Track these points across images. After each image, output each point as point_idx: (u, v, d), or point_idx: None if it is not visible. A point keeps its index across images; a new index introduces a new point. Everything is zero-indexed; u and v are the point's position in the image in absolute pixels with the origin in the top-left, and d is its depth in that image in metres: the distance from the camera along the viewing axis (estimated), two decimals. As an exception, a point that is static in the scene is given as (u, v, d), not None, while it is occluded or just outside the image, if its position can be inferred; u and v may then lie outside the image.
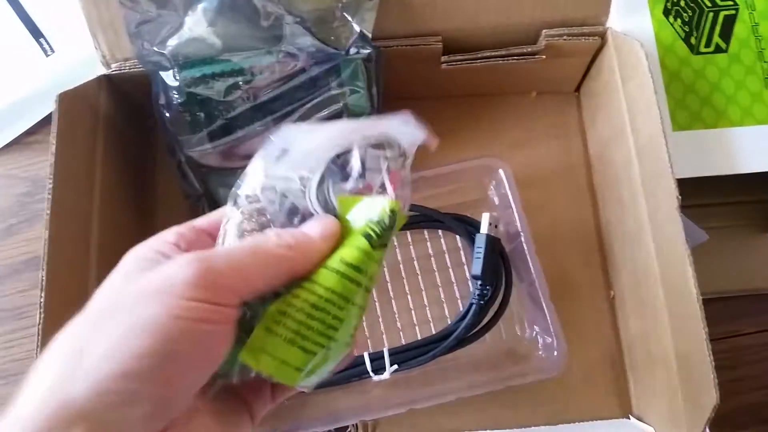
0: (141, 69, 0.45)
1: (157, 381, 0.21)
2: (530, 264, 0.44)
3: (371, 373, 0.42)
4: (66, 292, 0.42)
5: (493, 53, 0.47)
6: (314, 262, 0.25)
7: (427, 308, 0.48)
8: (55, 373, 0.21)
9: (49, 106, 0.43)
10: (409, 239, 0.49)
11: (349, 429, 0.47)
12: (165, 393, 0.22)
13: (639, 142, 0.44)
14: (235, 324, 0.24)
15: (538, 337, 0.46)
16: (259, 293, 0.24)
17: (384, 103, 0.48)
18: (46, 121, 0.54)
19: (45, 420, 0.20)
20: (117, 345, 0.21)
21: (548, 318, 0.43)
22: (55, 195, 0.41)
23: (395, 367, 0.42)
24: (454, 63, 0.48)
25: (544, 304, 0.43)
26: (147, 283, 0.23)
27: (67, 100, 0.43)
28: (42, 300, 0.40)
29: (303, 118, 0.46)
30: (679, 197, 0.39)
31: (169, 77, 0.44)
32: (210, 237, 0.27)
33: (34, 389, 0.21)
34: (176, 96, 0.45)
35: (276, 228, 0.26)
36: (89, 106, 0.46)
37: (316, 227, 0.26)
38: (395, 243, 0.49)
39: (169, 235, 0.26)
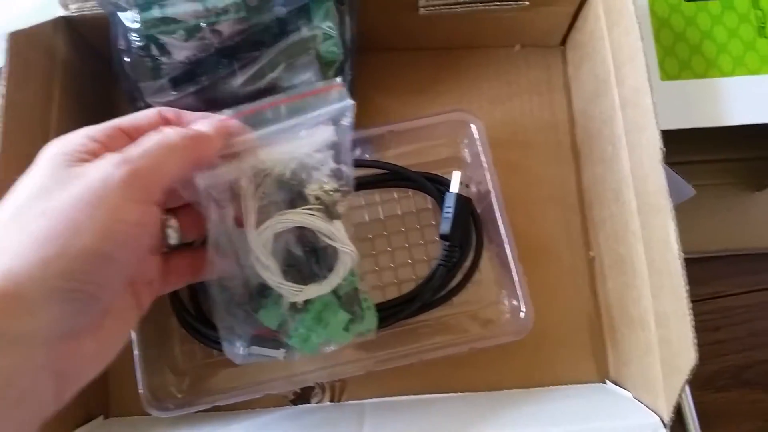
0: (101, 11, 0.43)
1: (94, 280, 0.24)
2: (499, 224, 0.42)
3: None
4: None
5: (474, -2, 0.45)
6: (213, 152, 0.30)
7: (395, 270, 0.46)
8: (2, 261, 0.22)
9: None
10: (378, 199, 0.47)
11: (315, 390, 0.46)
12: (97, 291, 0.24)
13: (623, 93, 0.41)
14: (158, 223, 0.27)
15: (506, 300, 0.44)
16: (171, 185, 0.28)
17: (359, 54, 0.45)
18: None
19: None
20: (63, 245, 0.23)
21: (515, 280, 0.41)
22: (6, 140, 0.39)
23: (358, 329, 0.40)
24: (432, 8, 0.45)
25: (512, 266, 0.41)
26: (84, 186, 0.24)
27: (20, 41, 0.41)
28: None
29: (271, 64, 0.44)
30: (663, 149, 0.37)
31: (128, 19, 0.42)
32: (128, 137, 0.28)
33: None
34: (136, 39, 0.42)
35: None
36: (45, 49, 0.44)
37: (206, 124, 0.30)
38: (363, 202, 0.47)
39: (92, 131, 0.28)
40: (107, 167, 0.25)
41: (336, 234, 0.35)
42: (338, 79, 0.37)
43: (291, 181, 0.34)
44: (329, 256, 0.36)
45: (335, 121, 0.36)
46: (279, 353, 0.37)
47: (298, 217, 0.34)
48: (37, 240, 0.23)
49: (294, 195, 0.35)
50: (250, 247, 0.34)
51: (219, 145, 0.30)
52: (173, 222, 0.32)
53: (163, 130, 0.28)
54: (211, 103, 0.42)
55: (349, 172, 0.36)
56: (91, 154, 0.26)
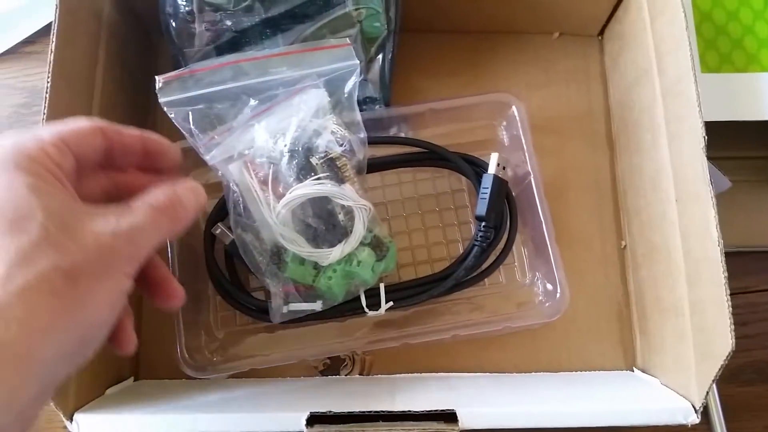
0: (149, -25, 0.43)
1: (96, 345, 0.26)
2: (538, 205, 0.42)
3: (366, 309, 0.40)
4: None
5: (517, -20, 0.45)
6: (188, 222, 0.29)
7: (427, 248, 0.46)
8: None
9: (49, 15, 0.41)
10: (412, 177, 0.47)
11: (345, 362, 0.46)
12: (90, 352, 0.26)
13: (665, 83, 0.42)
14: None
15: (539, 282, 0.44)
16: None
17: (401, 33, 0.45)
18: (45, 31, 0.52)
19: None
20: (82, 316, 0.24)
21: (552, 261, 0.41)
22: (53, 94, 0.39)
23: (390, 303, 0.40)
24: (475, -10, 0.46)
25: (549, 247, 0.41)
26: (98, 250, 0.24)
27: (69, 1, 0.41)
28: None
29: (314, 37, 0.44)
30: (705, 137, 0.37)
31: (177, -17, 0.42)
32: (72, 155, 0.27)
33: None
34: (184, 4, 0.43)
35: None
36: (92, 10, 0.44)
37: (191, 198, 0.29)
38: (397, 180, 0.47)
39: (54, 154, 0.26)
40: (117, 241, 0.25)
41: (347, 194, 0.37)
42: (347, 40, 0.38)
43: (295, 150, 0.36)
44: (345, 214, 0.38)
45: (341, 80, 0.37)
46: (316, 305, 0.39)
47: (310, 189, 0.36)
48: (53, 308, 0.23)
49: (301, 163, 0.36)
50: (271, 225, 0.36)
51: (193, 215, 0.29)
52: None
53: (151, 202, 0.28)
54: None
55: (357, 131, 0.37)
56: (65, 185, 0.26)
